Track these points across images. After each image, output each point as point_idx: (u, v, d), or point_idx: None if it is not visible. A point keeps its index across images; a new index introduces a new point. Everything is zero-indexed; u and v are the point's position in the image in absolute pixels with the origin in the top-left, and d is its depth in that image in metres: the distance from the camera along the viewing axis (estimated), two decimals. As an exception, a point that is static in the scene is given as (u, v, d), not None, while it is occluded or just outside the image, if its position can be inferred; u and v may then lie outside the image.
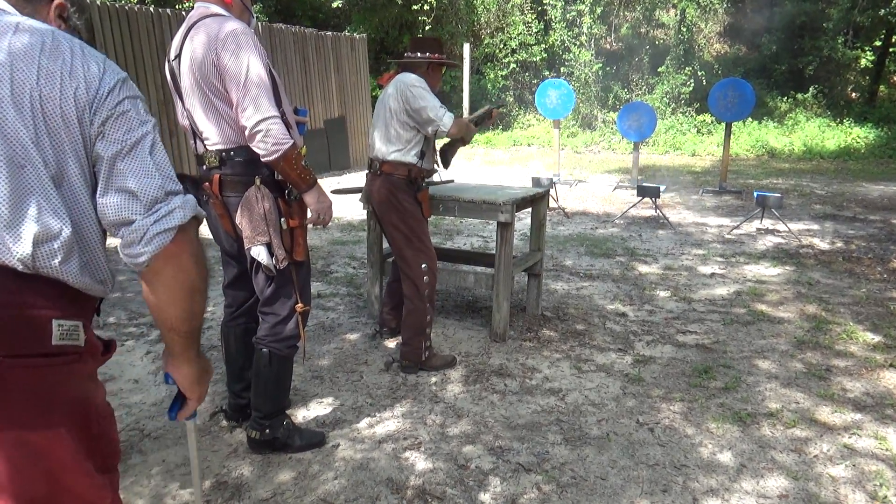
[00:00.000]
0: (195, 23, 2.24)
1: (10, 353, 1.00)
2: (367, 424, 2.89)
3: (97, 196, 1.11)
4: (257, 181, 2.31)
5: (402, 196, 3.31)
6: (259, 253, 2.33)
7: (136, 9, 7.76)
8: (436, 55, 3.33)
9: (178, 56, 2.29)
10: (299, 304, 2.48)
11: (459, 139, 3.45)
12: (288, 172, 2.26)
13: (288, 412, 2.95)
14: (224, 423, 2.85)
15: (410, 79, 3.22)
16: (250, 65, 2.14)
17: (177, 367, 1.30)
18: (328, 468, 2.55)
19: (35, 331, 1.04)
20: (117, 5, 7.59)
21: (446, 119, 3.22)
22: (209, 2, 2.30)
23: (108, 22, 7.33)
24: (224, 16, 2.25)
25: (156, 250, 1.11)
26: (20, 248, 1.02)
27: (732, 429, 2.87)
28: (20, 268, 1.03)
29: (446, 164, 3.61)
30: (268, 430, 2.58)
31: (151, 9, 8.00)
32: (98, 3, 7.38)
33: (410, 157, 3.30)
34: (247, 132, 2.18)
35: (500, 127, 17.46)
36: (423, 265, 3.35)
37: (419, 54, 3.33)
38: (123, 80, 1.16)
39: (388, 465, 2.57)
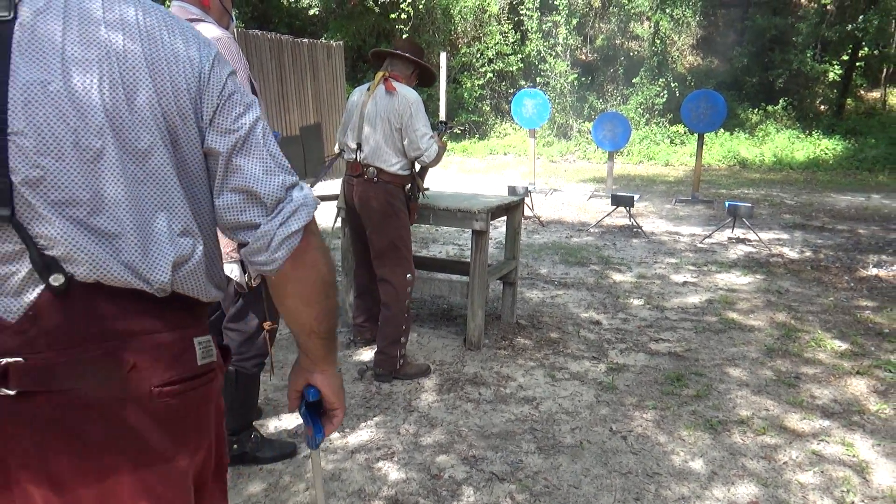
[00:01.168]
0: None
1: (162, 383, 0.92)
2: (340, 435, 2.86)
3: (215, 196, 0.99)
4: None
5: (399, 205, 3.32)
6: (232, 270, 2.28)
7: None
8: (421, 60, 3.38)
9: None
10: (267, 322, 2.43)
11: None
12: None
13: (259, 422, 2.91)
14: None
15: (414, 96, 3.24)
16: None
17: (322, 375, 1.16)
18: (300, 479, 2.52)
19: (183, 353, 0.96)
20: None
21: (431, 151, 3.26)
22: (187, 2, 2.27)
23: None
24: (203, 20, 2.23)
25: (286, 255, 1.00)
26: (158, 276, 0.91)
27: (704, 436, 2.89)
28: (157, 294, 0.92)
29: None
30: (235, 446, 2.53)
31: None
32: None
33: (409, 168, 3.35)
34: None
35: (477, 136, 17.53)
36: (408, 275, 3.36)
37: (411, 55, 3.36)
38: (217, 53, 1.01)
39: (360, 476, 2.54)
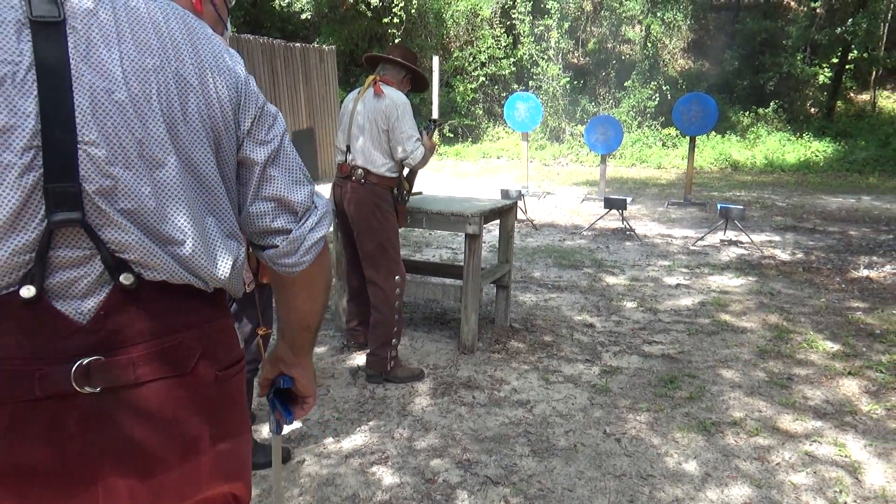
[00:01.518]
0: None
1: (222, 367, 1.00)
2: (334, 439, 2.85)
3: (247, 203, 1.04)
4: None
5: (386, 207, 3.34)
6: None
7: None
8: (414, 65, 3.40)
9: None
10: (261, 328, 2.42)
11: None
12: None
13: (252, 427, 2.90)
14: None
15: (402, 99, 3.26)
16: None
17: (300, 366, 1.22)
18: (293, 484, 2.51)
19: (232, 338, 1.05)
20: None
21: (416, 154, 3.27)
22: (181, 5, 2.27)
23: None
24: None
25: (314, 258, 1.07)
26: (219, 275, 0.98)
27: (697, 438, 2.90)
28: (209, 290, 0.99)
29: (410, 188, 3.64)
30: None
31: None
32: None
33: (397, 170, 3.36)
34: None
35: (470, 139, 17.55)
36: (396, 277, 3.36)
37: (403, 60, 3.37)
38: (243, 65, 1.06)
39: (354, 481, 2.54)
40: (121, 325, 0.90)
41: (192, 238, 0.94)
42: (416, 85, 3.52)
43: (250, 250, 2.23)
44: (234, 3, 2.44)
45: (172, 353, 0.93)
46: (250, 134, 1.01)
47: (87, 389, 0.86)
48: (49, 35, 0.83)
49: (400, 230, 3.51)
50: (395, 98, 3.25)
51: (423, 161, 3.35)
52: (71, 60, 0.84)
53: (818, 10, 16.75)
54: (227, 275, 0.99)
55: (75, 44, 0.85)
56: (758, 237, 7.28)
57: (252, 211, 1.03)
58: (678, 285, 5.38)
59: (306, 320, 1.16)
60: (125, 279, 0.89)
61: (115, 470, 0.90)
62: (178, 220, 0.92)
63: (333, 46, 12.88)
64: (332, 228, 3.81)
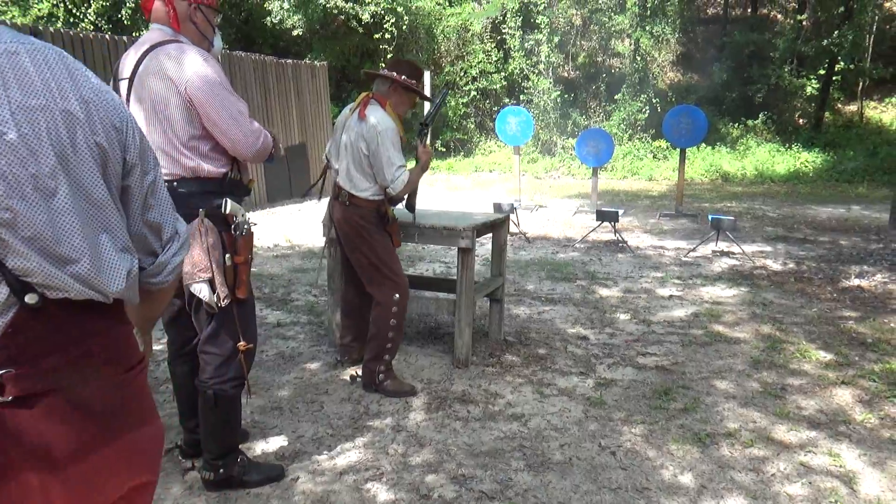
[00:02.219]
0: (154, 47, 2.21)
1: (124, 369, 1.14)
2: (328, 456, 2.83)
3: (130, 228, 1.18)
4: (202, 214, 2.25)
5: (371, 228, 3.32)
6: (200, 290, 2.25)
7: (91, 36, 7.65)
8: (402, 77, 3.28)
9: (130, 77, 2.25)
10: (242, 343, 2.41)
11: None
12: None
13: (246, 445, 2.88)
14: (180, 459, 2.75)
15: (385, 124, 3.18)
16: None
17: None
18: (287, 502, 2.49)
19: (131, 345, 1.18)
20: (72, 32, 7.46)
21: (398, 182, 3.23)
22: (162, 25, 2.27)
23: (61, 49, 7.21)
24: (182, 43, 2.23)
25: (175, 279, 1.28)
26: (114, 288, 1.09)
27: (692, 450, 2.90)
28: (109, 301, 1.11)
29: (411, 209, 3.59)
30: (221, 470, 2.50)
31: (107, 36, 7.89)
32: (52, 30, 7.25)
33: (381, 194, 3.32)
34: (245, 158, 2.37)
35: (462, 153, 17.61)
36: (395, 295, 3.36)
37: (393, 73, 3.30)
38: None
39: (349, 498, 2.52)
40: (29, 339, 1.01)
41: (88, 256, 1.05)
42: (412, 94, 3.40)
43: (215, 267, 2.22)
44: (219, 20, 2.43)
45: (79, 361, 1.06)
46: (135, 165, 1.14)
47: (0, 399, 0.97)
48: None
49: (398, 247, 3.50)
50: (377, 124, 3.17)
51: (405, 190, 3.31)
52: None
53: (804, 23, 16.94)
54: (123, 286, 1.10)
55: None
56: (749, 248, 7.31)
57: (132, 232, 1.18)
58: (671, 297, 5.39)
59: (154, 315, 1.41)
60: (30, 299, 1.00)
61: (29, 467, 1.00)
62: (74, 241, 1.03)
63: (325, 62, 12.93)
64: (324, 243, 3.81)
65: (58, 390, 1.03)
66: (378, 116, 3.21)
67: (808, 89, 16.88)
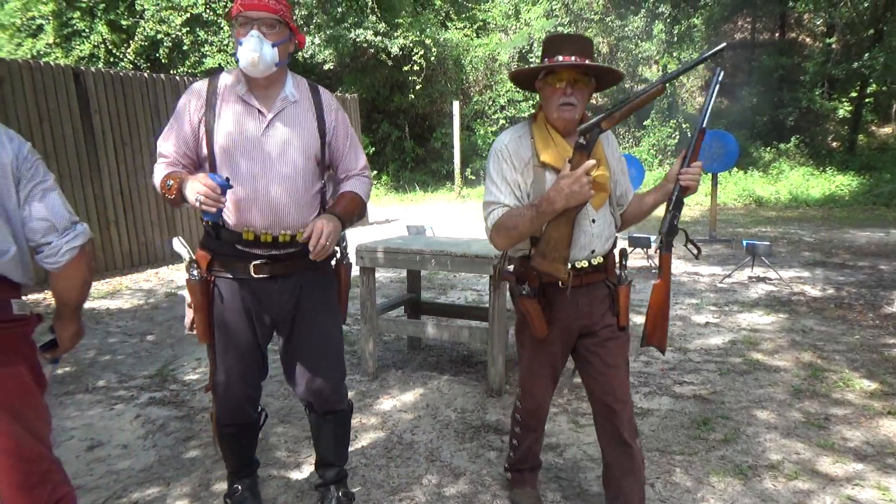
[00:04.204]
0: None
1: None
2: (363, 487, 2.82)
3: (26, 223, 1.71)
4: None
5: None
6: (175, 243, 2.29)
7: (130, 75, 7.92)
8: (550, 59, 2.12)
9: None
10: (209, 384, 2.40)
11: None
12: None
13: (280, 474, 2.88)
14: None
15: (495, 147, 2.24)
16: None
17: (63, 326, 1.91)
18: (322, 533, 2.48)
19: (4, 306, 1.67)
20: (112, 72, 7.74)
21: (488, 224, 2.21)
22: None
23: (102, 87, 7.47)
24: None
25: (67, 261, 1.75)
26: None
27: (734, 482, 2.82)
28: None
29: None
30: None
31: (145, 75, 8.16)
32: (93, 70, 7.54)
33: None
34: None
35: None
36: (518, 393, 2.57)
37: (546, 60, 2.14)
38: (30, 148, 1.74)
39: (384, 529, 2.50)
40: None
41: None
42: (602, 83, 2.28)
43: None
44: (248, 32, 2.15)
45: None
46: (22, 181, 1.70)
47: None
48: None
49: (423, 273, 3.47)
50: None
51: (507, 230, 2.15)
52: None
53: (834, 46, 16.78)
54: None
55: None
56: (786, 273, 7.17)
57: (29, 227, 1.71)
58: (707, 324, 5.30)
59: (66, 299, 1.84)
60: None
61: None
62: None
63: (356, 94, 13.17)
64: (356, 272, 3.83)
65: None
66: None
67: (841, 112, 16.67)
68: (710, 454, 3.07)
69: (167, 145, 2.21)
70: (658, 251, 2.34)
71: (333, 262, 2.45)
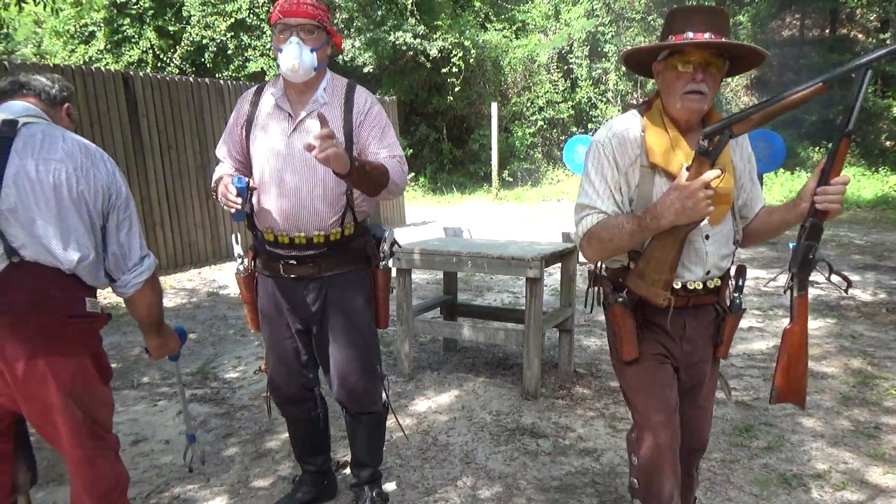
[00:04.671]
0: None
1: (68, 314, 1.82)
2: (398, 488, 2.83)
3: (106, 246, 1.91)
4: None
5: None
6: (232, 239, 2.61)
7: (176, 79, 8.12)
8: (677, 36, 1.74)
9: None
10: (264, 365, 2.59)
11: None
12: None
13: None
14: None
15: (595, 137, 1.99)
16: None
17: (147, 339, 2.12)
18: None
19: (77, 301, 1.84)
20: (159, 76, 7.96)
21: (577, 231, 1.92)
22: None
23: (150, 92, 7.68)
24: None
25: (133, 292, 1.95)
26: (69, 260, 1.80)
27: (778, 491, 2.74)
28: (67, 272, 1.80)
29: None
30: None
31: (191, 79, 8.36)
32: (141, 75, 7.76)
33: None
34: None
35: (530, 183, 17.59)
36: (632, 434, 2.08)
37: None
38: (119, 172, 1.93)
39: (417, 530, 2.50)
40: (9, 282, 1.74)
41: (56, 239, 1.80)
42: (735, 67, 1.86)
43: None
44: (287, 38, 2.15)
45: (35, 301, 1.76)
46: (110, 210, 1.89)
47: None
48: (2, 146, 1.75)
49: (460, 275, 3.47)
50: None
51: (599, 245, 1.87)
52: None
53: (887, 42, 16.20)
54: (74, 262, 1.79)
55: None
56: (835, 277, 6.93)
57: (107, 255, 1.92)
58: (750, 328, 5.16)
59: (136, 317, 2.04)
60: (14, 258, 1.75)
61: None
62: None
63: (395, 97, 13.26)
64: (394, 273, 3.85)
65: (30, 314, 1.77)
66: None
67: (895, 110, 16.06)
68: (752, 462, 2.99)
69: (222, 149, 2.40)
70: (789, 291, 1.89)
71: (372, 265, 2.43)
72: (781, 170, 14.82)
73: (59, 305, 1.78)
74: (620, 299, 1.88)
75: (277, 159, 2.22)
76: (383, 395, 2.57)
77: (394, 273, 3.89)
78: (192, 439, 2.68)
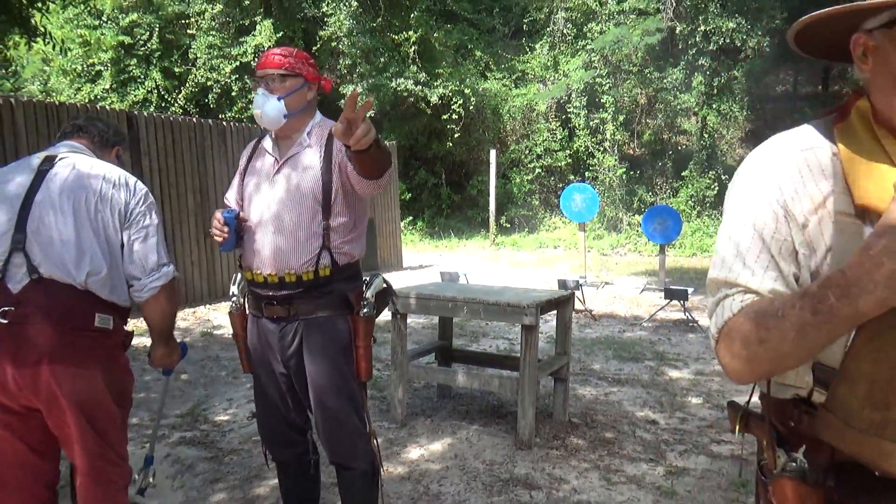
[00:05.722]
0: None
1: (77, 327, 1.92)
2: (387, 537, 2.77)
3: (125, 259, 2.05)
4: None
5: None
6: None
7: (179, 119, 8.24)
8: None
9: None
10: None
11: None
12: None
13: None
14: None
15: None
16: None
17: (152, 347, 2.22)
18: (344, 585, 2.42)
19: (87, 316, 1.94)
20: (162, 116, 8.07)
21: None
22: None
23: (153, 131, 7.78)
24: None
25: (149, 297, 2.07)
26: (78, 278, 1.93)
27: (775, 550, 2.68)
28: (80, 287, 1.93)
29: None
30: None
31: (194, 119, 8.48)
32: (145, 114, 7.87)
33: None
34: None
35: (527, 229, 17.69)
36: None
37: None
38: (146, 193, 2.11)
39: (406, 584, 2.44)
40: (31, 297, 1.88)
41: (71, 259, 1.95)
42: None
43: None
44: (258, 87, 2.29)
45: (52, 313, 1.89)
46: (129, 225, 2.06)
47: (2, 321, 1.85)
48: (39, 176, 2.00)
49: (456, 319, 3.47)
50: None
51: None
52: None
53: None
54: (84, 278, 1.93)
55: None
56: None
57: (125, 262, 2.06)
58: (746, 381, 5.12)
59: (149, 324, 2.15)
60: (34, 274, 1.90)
61: (8, 357, 1.84)
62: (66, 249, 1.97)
63: (395, 141, 13.44)
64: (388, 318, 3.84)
65: (42, 323, 1.88)
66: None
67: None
68: (749, 519, 2.94)
69: (230, 192, 2.50)
70: None
71: (354, 312, 2.32)
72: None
73: (67, 318, 1.89)
74: (794, 466, 1.01)
75: (259, 198, 2.29)
76: (373, 449, 2.41)
77: (388, 318, 3.88)
78: (150, 462, 2.61)
